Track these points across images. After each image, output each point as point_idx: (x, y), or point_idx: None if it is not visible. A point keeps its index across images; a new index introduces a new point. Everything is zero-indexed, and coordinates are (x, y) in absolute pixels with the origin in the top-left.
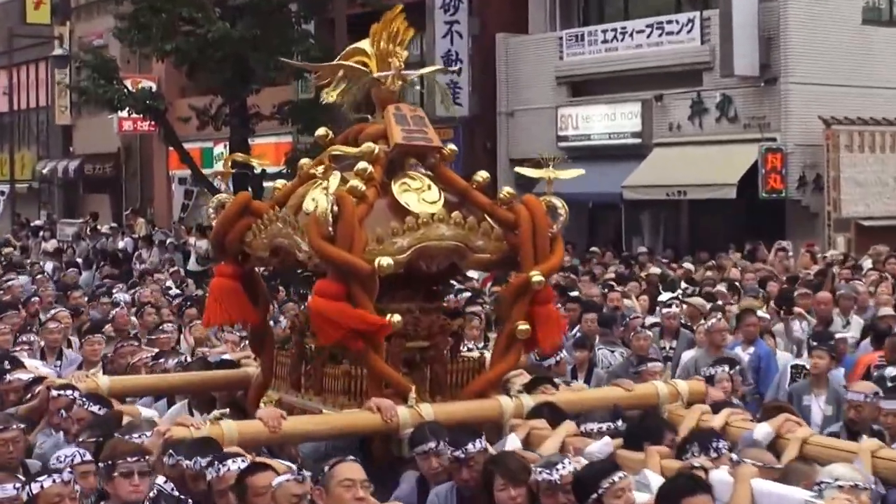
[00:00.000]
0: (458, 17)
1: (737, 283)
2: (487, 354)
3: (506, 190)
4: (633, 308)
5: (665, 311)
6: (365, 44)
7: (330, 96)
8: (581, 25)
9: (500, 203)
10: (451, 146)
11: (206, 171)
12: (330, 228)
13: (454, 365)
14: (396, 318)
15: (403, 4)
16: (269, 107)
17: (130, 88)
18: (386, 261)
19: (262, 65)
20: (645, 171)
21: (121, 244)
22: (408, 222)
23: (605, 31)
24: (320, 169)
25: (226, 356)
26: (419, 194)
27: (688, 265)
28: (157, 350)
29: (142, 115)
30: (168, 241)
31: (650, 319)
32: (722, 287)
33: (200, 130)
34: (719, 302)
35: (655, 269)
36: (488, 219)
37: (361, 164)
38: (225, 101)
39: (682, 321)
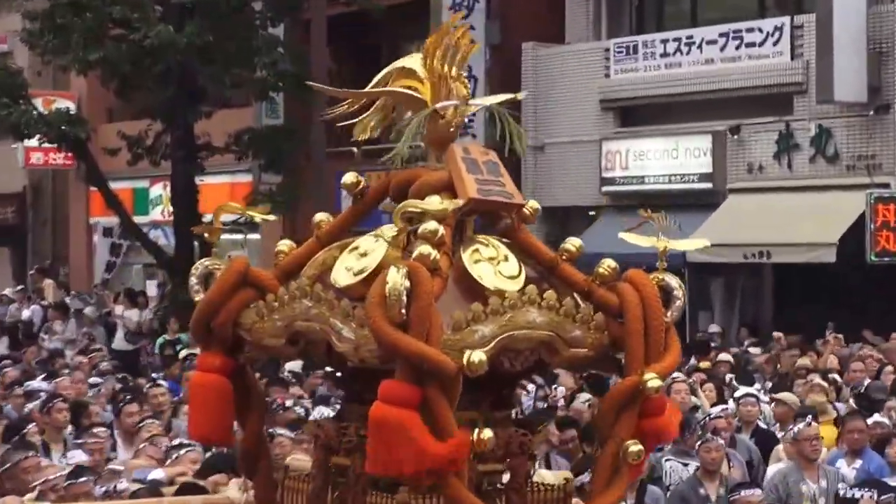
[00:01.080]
0: (472, 21)
1: (836, 377)
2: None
3: (606, 264)
4: (701, 405)
5: (744, 409)
6: (413, 62)
7: (365, 132)
8: (634, 33)
9: (598, 281)
10: (534, 203)
11: (139, 220)
12: (403, 311)
13: (535, 495)
14: (487, 433)
15: (401, 3)
16: (224, 136)
17: (41, 110)
18: (478, 356)
19: (216, 81)
20: (716, 226)
21: (25, 313)
22: (492, 304)
23: (665, 42)
24: (386, 231)
25: (159, 474)
26: (494, 266)
27: (772, 350)
28: (75, 464)
29: (56, 145)
30: (87, 309)
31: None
32: (818, 379)
33: (133, 166)
34: (815, 398)
35: (727, 356)
36: (580, 299)
37: (431, 225)
38: (166, 127)
39: (763, 423)
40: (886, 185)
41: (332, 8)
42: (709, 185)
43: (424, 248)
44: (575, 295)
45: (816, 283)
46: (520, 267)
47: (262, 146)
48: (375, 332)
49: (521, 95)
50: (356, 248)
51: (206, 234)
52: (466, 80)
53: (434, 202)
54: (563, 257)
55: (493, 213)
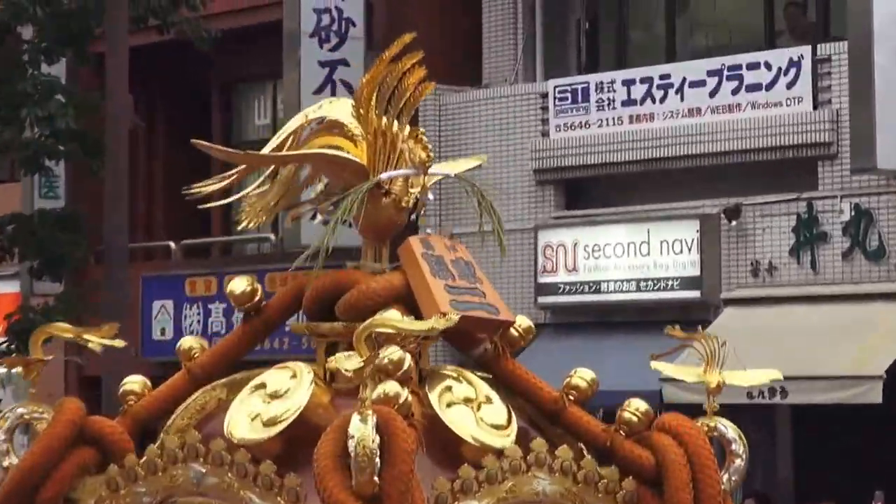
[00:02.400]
0: (343, 53)
1: None
2: None
3: (634, 406)
4: None
5: None
6: (339, 110)
7: (255, 217)
8: (584, 72)
9: (624, 430)
10: (525, 321)
11: None
12: (376, 478)
13: None
14: None
15: (251, 27)
16: None
17: None
18: None
19: None
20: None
21: None
22: (487, 468)
23: (629, 84)
24: (345, 362)
25: None
26: (474, 411)
27: None
28: None
29: None
30: None
31: None
32: None
33: None
34: None
35: None
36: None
37: (395, 353)
38: None
39: None
40: None
41: (139, 36)
42: (695, 295)
43: (389, 387)
44: (587, 452)
45: (854, 432)
46: (508, 412)
47: (32, 243)
48: None
49: (483, 159)
50: (260, 386)
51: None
52: (425, 139)
53: (398, 318)
54: (570, 397)
55: (467, 336)
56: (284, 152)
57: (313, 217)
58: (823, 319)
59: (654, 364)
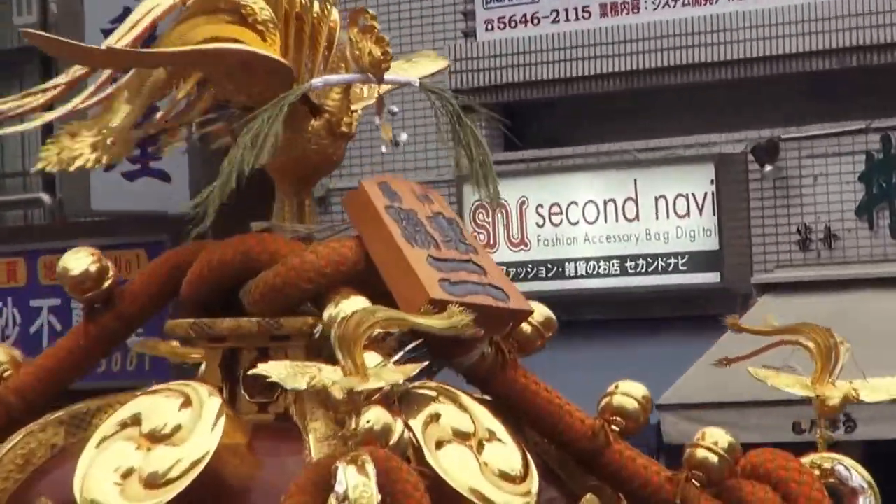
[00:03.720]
0: None
1: None
2: None
3: (711, 437)
4: None
5: None
6: None
7: (104, 154)
8: None
9: (697, 477)
10: (545, 311)
11: None
12: None
13: None
14: None
15: None
16: None
17: None
18: None
19: None
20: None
21: None
22: None
23: None
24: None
25: None
26: (474, 453)
27: None
28: None
29: None
30: None
31: None
32: None
33: None
34: None
35: None
36: None
37: (372, 358)
38: None
39: None
40: None
41: None
42: (713, 279)
43: (376, 416)
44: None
45: None
46: (524, 455)
47: None
48: None
49: (443, 63)
50: (130, 422)
51: None
52: (378, 29)
53: (394, 310)
54: (615, 427)
55: (454, 337)
56: (171, 48)
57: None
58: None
59: (753, 370)
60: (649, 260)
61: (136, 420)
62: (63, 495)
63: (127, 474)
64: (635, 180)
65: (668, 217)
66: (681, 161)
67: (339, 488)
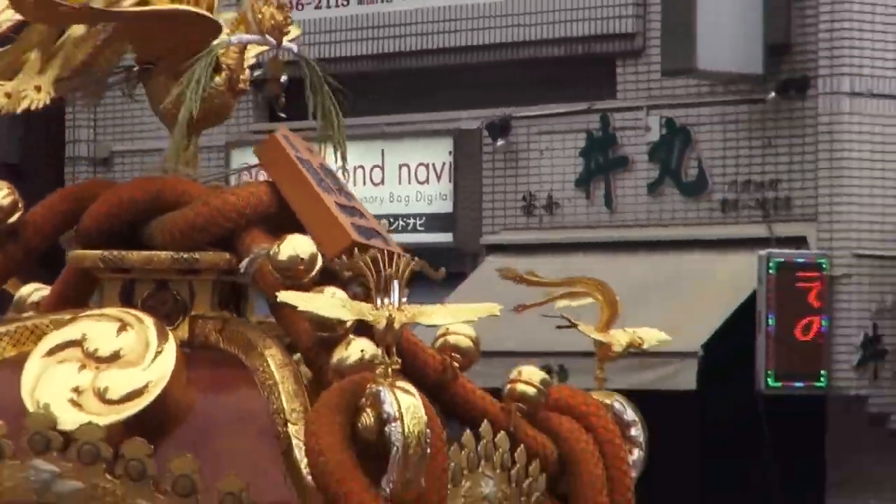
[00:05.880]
0: None
1: None
2: None
3: (527, 374)
4: None
5: None
6: None
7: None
8: None
9: (520, 407)
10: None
11: None
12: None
13: None
14: None
15: None
16: None
17: None
18: None
19: None
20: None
21: None
22: (453, 465)
23: None
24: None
25: None
26: None
27: None
28: None
29: None
30: None
31: None
32: None
33: None
34: None
35: None
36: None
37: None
38: None
39: None
40: (800, 242)
41: None
42: (447, 239)
43: (368, 346)
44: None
45: (659, 429)
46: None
47: None
48: None
49: (297, 31)
50: (73, 343)
51: None
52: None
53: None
54: (456, 363)
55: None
56: (131, 8)
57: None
58: (622, 276)
59: (567, 316)
60: (391, 220)
61: (77, 341)
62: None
63: (79, 390)
64: (382, 150)
65: (409, 183)
66: (424, 135)
67: (390, 409)
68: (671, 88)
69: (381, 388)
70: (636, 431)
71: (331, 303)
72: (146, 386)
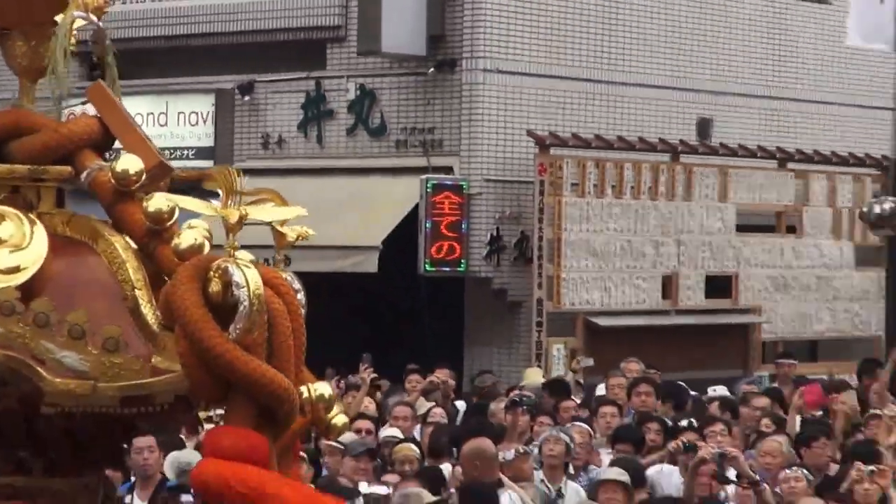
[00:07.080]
0: None
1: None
2: None
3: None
4: None
5: None
6: None
7: None
8: None
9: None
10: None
11: None
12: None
13: None
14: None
15: None
16: None
17: None
18: (343, 419)
19: None
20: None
21: None
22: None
23: None
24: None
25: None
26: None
27: None
28: None
29: None
30: None
31: None
32: None
33: None
34: None
35: None
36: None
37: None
38: None
39: None
40: (448, 170)
41: None
42: (209, 164)
43: (195, 234)
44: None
45: (350, 302)
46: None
47: None
48: (227, 362)
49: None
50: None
51: None
52: None
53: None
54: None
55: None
56: None
57: None
58: (327, 191)
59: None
60: (171, 150)
61: None
62: None
63: None
64: (167, 102)
65: (184, 125)
66: (195, 91)
67: (238, 279)
68: (364, 64)
69: (228, 263)
70: (301, 296)
71: (199, 203)
72: (31, 260)
